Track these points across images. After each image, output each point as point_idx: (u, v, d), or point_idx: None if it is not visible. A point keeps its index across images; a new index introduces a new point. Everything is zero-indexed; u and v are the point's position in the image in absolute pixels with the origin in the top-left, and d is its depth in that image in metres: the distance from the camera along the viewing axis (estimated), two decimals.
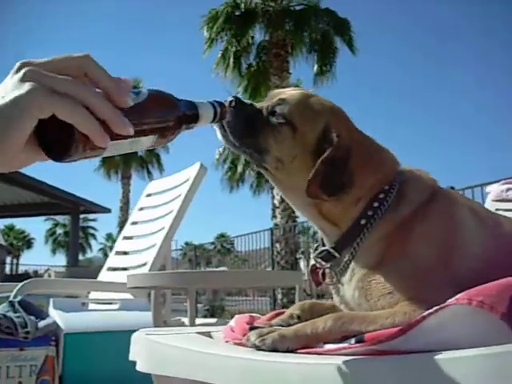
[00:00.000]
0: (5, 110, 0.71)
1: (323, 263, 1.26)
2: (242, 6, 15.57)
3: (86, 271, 21.35)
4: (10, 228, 57.27)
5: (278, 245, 13.90)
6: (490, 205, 3.05)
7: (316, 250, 1.29)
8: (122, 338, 2.93)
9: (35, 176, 16.46)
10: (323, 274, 1.27)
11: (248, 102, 1.25)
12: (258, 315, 1.40)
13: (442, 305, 0.88)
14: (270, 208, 16.56)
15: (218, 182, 21.76)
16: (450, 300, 0.89)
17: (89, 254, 60.07)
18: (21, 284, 3.11)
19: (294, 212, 14.73)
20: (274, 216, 15.53)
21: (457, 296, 0.89)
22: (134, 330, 2.95)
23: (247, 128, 1.21)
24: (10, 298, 2.93)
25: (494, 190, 3.18)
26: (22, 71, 0.73)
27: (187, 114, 0.94)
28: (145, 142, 0.87)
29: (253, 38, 16.27)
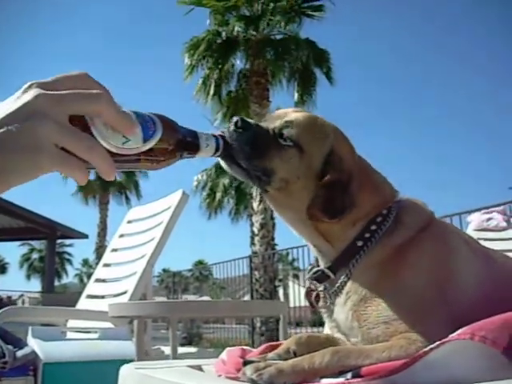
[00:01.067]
0: (18, 149, 0.70)
1: (317, 285, 1.26)
2: (224, 34, 15.70)
3: (61, 297, 21.06)
4: None
5: (256, 272, 13.83)
6: (471, 234, 3.08)
7: (310, 270, 1.29)
8: (102, 368, 2.91)
9: (11, 200, 16.28)
10: (316, 297, 1.27)
11: (253, 121, 1.24)
12: (250, 348, 1.38)
13: (444, 340, 0.88)
14: (248, 235, 16.52)
15: (196, 208, 21.67)
16: (451, 335, 0.89)
17: (64, 280, 59.28)
18: None
19: (272, 239, 14.75)
20: (252, 243, 15.48)
21: (458, 331, 0.89)
22: (115, 360, 2.93)
23: (255, 149, 1.19)
24: None
25: (475, 219, 3.22)
26: (32, 95, 0.73)
27: (187, 142, 0.95)
28: (142, 167, 0.88)
29: (233, 65, 16.40)
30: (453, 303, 1.12)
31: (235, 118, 1.19)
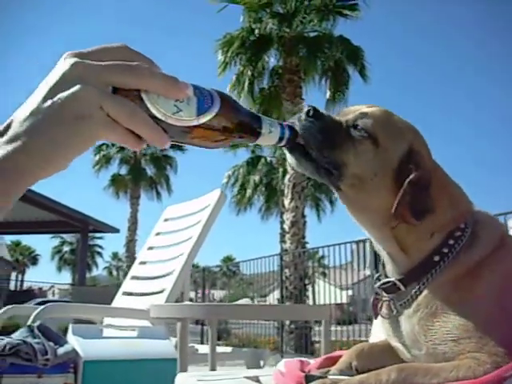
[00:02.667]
0: (67, 120, 0.69)
1: (384, 294, 1.21)
2: (257, 31, 15.67)
3: (91, 290, 21.32)
4: (17, 244, 57.44)
5: (287, 270, 13.82)
6: None
7: (378, 279, 1.25)
8: (141, 366, 2.94)
9: (45, 193, 16.51)
10: (380, 306, 1.23)
11: (326, 112, 1.18)
12: (307, 360, 1.36)
13: None
14: (277, 232, 16.50)
15: (225, 204, 21.73)
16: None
17: (94, 272, 60.17)
18: (39, 308, 3.07)
19: (303, 238, 14.71)
20: (282, 241, 15.46)
21: None
22: (154, 359, 2.94)
23: (326, 139, 1.13)
24: (29, 323, 2.90)
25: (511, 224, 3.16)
26: (70, 63, 0.72)
27: (247, 125, 0.90)
28: (195, 142, 0.85)
29: (266, 63, 16.37)
30: None
31: (307, 107, 1.14)
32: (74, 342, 2.88)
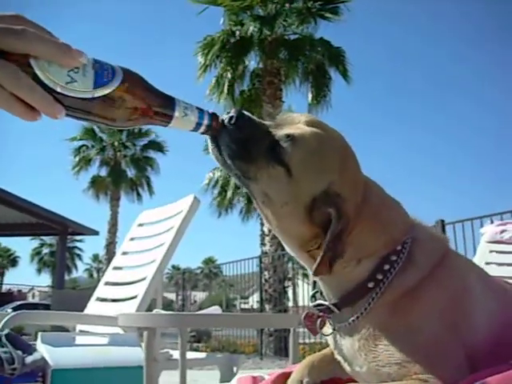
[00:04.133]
0: None
1: (321, 314, 1.19)
2: (238, 33, 15.69)
3: (71, 293, 21.15)
4: None
5: (266, 272, 13.85)
6: (484, 246, 3.05)
7: (313, 296, 1.24)
8: (111, 374, 2.91)
9: (23, 196, 16.39)
10: (322, 322, 1.21)
11: (252, 117, 1.12)
12: (262, 375, 1.36)
13: None
14: (258, 234, 16.51)
15: (206, 206, 21.71)
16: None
17: (74, 274, 59.78)
18: (8, 316, 3.04)
19: None
20: (262, 243, 15.48)
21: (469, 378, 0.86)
22: (124, 367, 2.92)
23: (241, 150, 1.06)
24: None
25: (488, 231, 3.18)
26: None
27: (157, 104, 0.85)
28: (97, 119, 0.80)
29: (247, 65, 16.40)
30: (466, 345, 1.08)
31: (231, 113, 1.07)
32: (43, 350, 2.86)
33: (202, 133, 0.97)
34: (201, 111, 0.93)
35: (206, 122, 0.94)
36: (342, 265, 1.10)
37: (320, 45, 15.89)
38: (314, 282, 1.25)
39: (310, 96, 16.40)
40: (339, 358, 1.21)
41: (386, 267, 1.11)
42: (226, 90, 15.86)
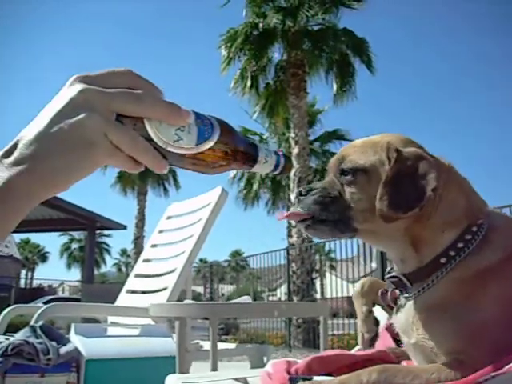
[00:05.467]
0: (74, 146, 0.71)
1: (393, 287, 1.24)
2: (261, 26, 15.65)
3: (100, 287, 21.38)
4: (26, 242, 57.74)
5: (293, 264, 13.83)
6: None
7: (389, 272, 1.27)
8: (143, 365, 2.95)
9: None
10: (392, 298, 1.25)
11: (313, 183, 1.28)
12: (295, 360, 1.37)
13: (499, 371, 0.85)
14: (284, 227, 16.52)
15: (232, 199, 21.79)
16: (507, 366, 0.86)
17: (103, 269, 60.49)
18: (42, 309, 3.09)
19: None
20: (289, 235, 15.47)
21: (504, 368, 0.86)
22: (156, 357, 2.96)
23: (325, 197, 1.22)
24: (32, 323, 2.92)
25: None
26: (78, 90, 0.73)
27: (244, 153, 0.91)
28: (193, 168, 0.86)
29: (271, 57, 16.35)
30: None
31: (296, 190, 1.25)
32: (76, 341, 2.90)
33: (277, 174, 1.03)
34: (277, 155, 0.99)
35: (281, 164, 0.99)
36: (431, 233, 1.16)
37: (343, 35, 15.78)
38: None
39: (334, 87, 16.31)
40: (397, 329, 1.24)
41: (460, 245, 1.14)
42: (249, 83, 15.85)
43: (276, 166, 0.98)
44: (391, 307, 1.27)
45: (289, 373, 1.24)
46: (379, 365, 1.07)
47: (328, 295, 13.75)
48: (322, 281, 18.67)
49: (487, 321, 1.07)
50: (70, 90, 0.73)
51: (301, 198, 1.23)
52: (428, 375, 1.01)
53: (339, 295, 12.91)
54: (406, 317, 1.18)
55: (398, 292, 1.23)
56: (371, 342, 1.38)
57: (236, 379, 1.29)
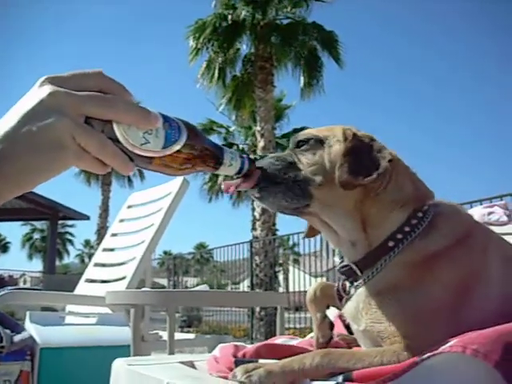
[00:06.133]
0: (43, 148, 0.72)
1: (343, 277, 1.26)
2: (230, 17, 15.59)
3: (62, 278, 21.16)
4: None
5: (257, 257, 13.86)
6: None
7: (340, 264, 1.29)
8: (99, 353, 2.93)
9: None
10: (344, 289, 1.28)
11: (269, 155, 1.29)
12: (243, 344, 1.38)
13: (435, 351, 0.87)
14: (249, 220, 16.54)
15: (197, 191, 21.72)
16: (443, 347, 0.87)
17: (66, 260, 59.66)
18: None
19: (274, 225, 14.76)
20: (253, 228, 15.50)
21: (450, 342, 0.88)
22: (112, 346, 2.94)
23: (284, 165, 1.23)
24: None
25: (476, 213, 3.20)
26: (48, 92, 0.74)
27: (210, 156, 0.93)
28: (158, 170, 0.88)
29: (238, 50, 16.30)
30: (464, 322, 1.07)
31: (252, 156, 1.22)
32: (31, 329, 2.87)
33: (241, 177, 1.09)
34: (242, 158, 1.03)
35: (246, 167, 1.04)
36: (379, 209, 1.20)
37: (312, 29, 15.80)
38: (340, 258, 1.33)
39: (302, 81, 16.34)
40: (347, 318, 1.27)
41: (407, 229, 1.17)
42: (216, 75, 15.79)
43: (241, 169, 1.03)
44: (341, 298, 1.29)
45: (235, 357, 1.24)
46: (322, 349, 1.09)
47: (291, 289, 13.79)
48: (285, 274, 18.76)
49: (435, 306, 1.09)
50: (40, 92, 0.74)
51: (256, 160, 1.22)
52: (371, 359, 1.02)
53: (302, 289, 12.99)
54: (355, 304, 1.20)
55: (347, 283, 1.25)
56: (326, 345, 1.40)
57: (182, 362, 1.29)
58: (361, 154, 1.18)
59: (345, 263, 1.25)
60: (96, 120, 0.77)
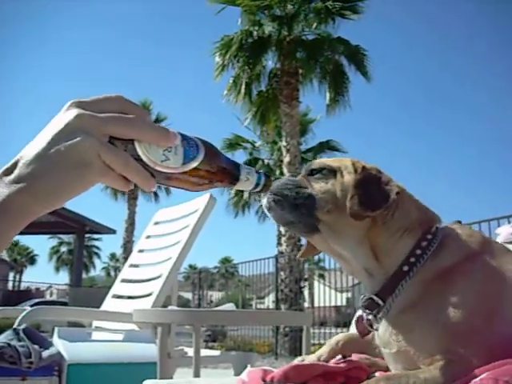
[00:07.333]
0: (71, 166, 0.76)
1: (367, 311, 1.29)
2: (255, 33, 15.68)
3: (88, 291, 21.31)
4: (15, 244, 57.32)
5: (282, 273, 13.83)
6: None
7: (363, 298, 1.32)
8: (126, 370, 2.95)
9: None
10: (370, 325, 1.30)
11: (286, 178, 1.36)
12: (271, 369, 1.37)
13: None
14: (274, 235, 16.53)
15: (223, 206, 21.78)
16: (474, 380, 0.87)
17: (92, 273, 60.20)
18: (25, 312, 3.08)
19: (299, 240, 14.69)
20: (279, 243, 15.47)
21: (482, 376, 0.87)
22: (139, 363, 2.95)
23: (295, 185, 1.31)
24: (15, 325, 2.91)
25: (503, 231, 3.16)
26: (74, 115, 0.78)
27: (227, 172, 0.96)
28: (178, 186, 0.91)
29: (264, 65, 16.36)
30: (496, 334, 1.11)
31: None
32: (59, 344, 2.90)
33: (258, 191, 1.09)
34: (258, 174, 1.04)
35: (262, 182, 1.05)
36: (388, 236, 1.25)
37: (338, 44, 15.80)
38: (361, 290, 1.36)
39: (328, 96, 16.33)
40: (378, 344, 1.31)
41: (418, 252, 1.22)
42: (243, 90, 15.85)
43: (257, 184, 1.03)
44: (364, 334, 1.33)
45: (264, 381, 1.24)
46: (380, 375, 1.12)
47: (316, 304, 13.72)
48: (310, 289, 18.66)
49: (459, 316, 1.11)
50: (67, 115, 0.79)
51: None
52: (423, 374, 1.06)
53: (327, 304, 12.93)
54: (383, 330, 1.23)
55: (371, 317, 1.28)
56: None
57: None
58: (370, 186, 1.25)
59: (367, 296, 1.29)
60: (119, 140, 0.81)
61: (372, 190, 1.24)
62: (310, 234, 1.32)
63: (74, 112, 0.79)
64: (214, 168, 0.92)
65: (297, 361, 1.42)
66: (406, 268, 1.21)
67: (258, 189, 1.05)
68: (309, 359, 1.43)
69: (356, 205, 1.21)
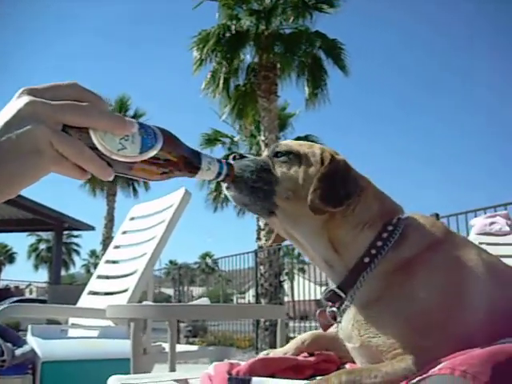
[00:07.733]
0: (22, 154, 0.75)
1: (330, 304, 1.29)
2: (233, 28, 15.63)
3: (67, 288, 21.17)
4: None
5: (262, 267, 13.83)
6: (473, 238, 3.06)
7: (325, 291, 1.31)
8: (100, 367, 2.92)
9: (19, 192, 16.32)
10: (334, 317, 1.30)
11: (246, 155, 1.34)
12: (238, 362, 1.37)
13: (424, 375, 0.87)
14: (254, 229, 16.54)
15: (202, 201, 21.73)
16: (432, 370, 0.87)
17: (72, 270, 59.80)
18: None
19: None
20: (258, 238, 15.47)
21: (440, 365, 0.88)
22: (113, 359, 2.93)
23: (258, 165, 1.29)
24: None
25: (477, 223, 3.19)
26: (24, 102, 0.77)
27: (187, 161, 0.95)
28: (137, 175, 0.90)
29: (242, 60, 16.33)
30: (459, 324, 1.11)
31: (232, 156, 1.30)
32: (32, 342, 2.87)
33: (221, 180, 1.10)
34: (220, 162, 1.05)
35: (224, 171, 1.06)
36: (348, 229, 1.24)
37: (316, 38, 15.82)
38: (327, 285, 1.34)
39: (306, 90, 16.35)
40: (341, 337, 1.30)
41: (379, 244, 1.22)
42: (221, 85, 15.81)
43: (219, 174, 1.04)
44: (326, 327, 1.35)
45: (230, 374, 1.24)
46: (349, 367, 1.12)
47: (296, 298, 13.76)
48: (291, 284, 18.70)
49: (423, 307, 1.12)
50: (18, 102, 0.77)
51: (234, 161, 1.28)
52: (384, 369, 1.06)
53: (308, 298, 12.96)
54: (346, 324, 1.23)
55: (335, 309, 1.28)
56: None
57: (176, 380, 1.28)
58: (334, 181, 1.23)
59: (329, 289, 1.28)
60: (73, 128, 0.80)
61: (336, 185, 1.22)
62: (266, 216, 1.31)
63: (26, 99, 0.77)
64: (174, 157, 0.91)
65: (262, 354, 1.42)
66: (367, 260, 1.21)
67: (220, 178, 1.05)
68: (274, 353, 1.43)
69: (317, 199, 1.19)
